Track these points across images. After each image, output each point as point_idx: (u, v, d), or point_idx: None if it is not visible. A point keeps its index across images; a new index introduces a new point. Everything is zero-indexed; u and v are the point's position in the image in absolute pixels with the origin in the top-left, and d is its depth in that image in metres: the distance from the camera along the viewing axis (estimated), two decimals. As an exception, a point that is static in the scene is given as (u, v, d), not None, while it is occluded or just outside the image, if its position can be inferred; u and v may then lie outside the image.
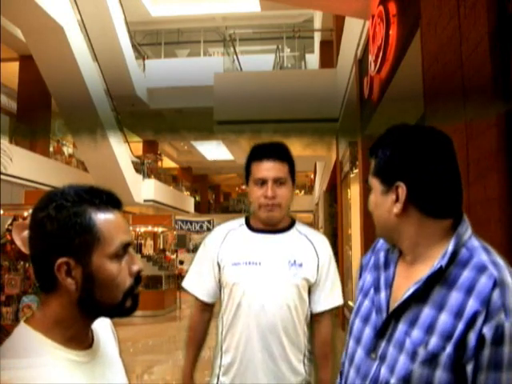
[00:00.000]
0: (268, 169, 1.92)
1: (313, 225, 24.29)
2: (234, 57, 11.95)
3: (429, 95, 2.95)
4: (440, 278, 1.09)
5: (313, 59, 15.27)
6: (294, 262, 1.92)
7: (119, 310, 1.03)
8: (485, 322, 1.01)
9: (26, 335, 0.97)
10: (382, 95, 4.60)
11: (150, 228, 14.86)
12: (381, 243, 1.31)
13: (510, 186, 1.92)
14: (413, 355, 1.07)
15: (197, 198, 27.54)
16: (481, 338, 1.01)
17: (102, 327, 1.14)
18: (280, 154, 1.98)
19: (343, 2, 5.35)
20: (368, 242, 5.88)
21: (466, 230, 1.13)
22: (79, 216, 0.97)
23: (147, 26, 20.29)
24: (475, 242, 1.12)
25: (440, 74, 2.69)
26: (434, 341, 1.05)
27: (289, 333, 1.88)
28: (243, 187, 36.97)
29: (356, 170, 7.17)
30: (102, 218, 0.99)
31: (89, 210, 0.98)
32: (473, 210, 2.12)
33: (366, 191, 6.13)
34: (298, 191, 34.54)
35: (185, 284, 2.07)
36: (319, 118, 8.98)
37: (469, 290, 1.05)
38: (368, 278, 1.29)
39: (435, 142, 1.14)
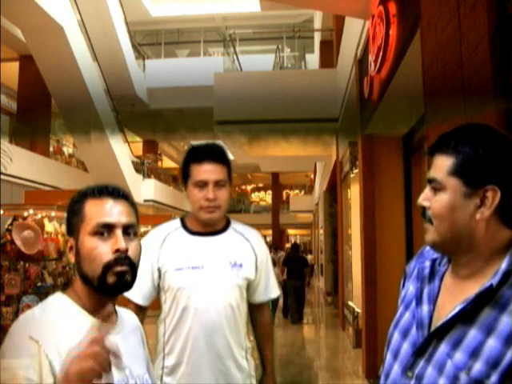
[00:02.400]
0: (208, 171, 1.93)
1: (313, 225, 24.31)
2: (234, 57, 11.95)
3: (429, 95, 2.95)
4: (490, 299, 0.99)
5: (313, 59, 15.28)
6: (235, 263, 1.99)
7: (101, 284, 1.15)
8: None
9: (59, 299, 1.19)
10: (382, 95, 4.61)
11: (149, 228, 14.85)
12: (427, 251, 1.21)
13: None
14: (453, 380, 0.99)
15: (197, 198, 27.48)
16: None
17: (132, 327, 1.30)
18: (219, 156, 1.98)
19: (343, 1, 5.35)
20: (368, 242, 5.88)
21: None
22: (76, 203, 1.21)
23: (147, 26, 20.29)
24: None
25: (440, 74, 2.69)
26: (478, 367, 0.96)
27: (233, 331, 1.96)
28: (243, 187, 37.03)
29: (356, 170, 7.17)
30: (90, 203, 1.19)
31: (84, 198, 1.20)
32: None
33: (366, 191, 6.15)
34: (297, 191, 34.58)
35: None
36: (319, 117, 8.98)
37: None
38: (411, 288, 1.20)
39: None
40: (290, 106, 8.89)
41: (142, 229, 15.66)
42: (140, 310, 2.02)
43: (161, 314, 2.02)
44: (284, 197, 33.12)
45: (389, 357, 1.17)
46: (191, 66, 17.45)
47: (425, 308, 1.11)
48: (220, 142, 2.04)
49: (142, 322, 2.05)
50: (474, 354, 0.98)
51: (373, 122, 5.41)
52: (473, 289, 1.02)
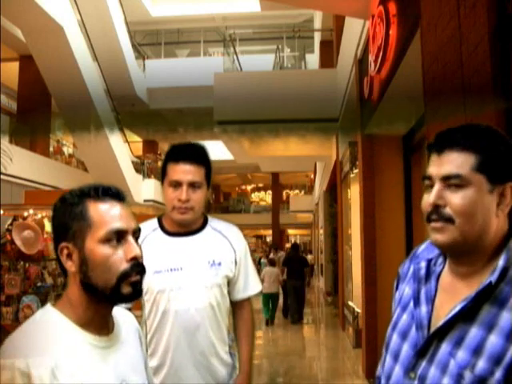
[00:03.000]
0: (184, 172, 1.90)
1: (313, 225, 24.31)
2: (234, 57, 11.95)
3: (429, 95, 2.95)
4: (489, 296, 1.00)
5: (313, 59, 15.28)
6: (214, 261, 1.98)
7: (116, 294, 1.08)
8: None
9: (48, 314, 1.09)
10: (382, 95, 4.61)
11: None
12: (421, 251, 1.22)
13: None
14: (458, 378, 0.99)
15: (197, 198, 27.50)
16: None
17: (129, 328, 1.24)
18: (197, 157, 1.95)
19: (343, 1, 5.35)
20: (368, 242, 5.88)
21: None
22: (75, 206, 1.10)
23: (147, 26, 20.29)
24: None
25: (440, 74, 2.69)
26: (481, 364, 0.97)
27: (215, 330, 1.96)
28: (243, 187, 37.02)
29: (356, 170, 7.16)
30: (95, 206, 1.10)
31: (84, 200, 1.11)
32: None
33: (366, 191, 6.15)
34: (297, 191, 34.57)
35: None
36: (319, 118, 8.98)
37: None
38: (407, 289, 1.20)
39: None
40: (290, 106, 8.89)
41: (142, 229, 15.72)
42: None
43: (142, 317, 2.01)
44: (284, 197, 33.13)
45: (389, 359, 1.16)
46: (191, 66, 17.45)
47: (423, 309, 1.11)
48: (200, 143, 2.00)
49: None
50: (477, 351, 0.98)
51: (373, 121, 5.41)
52: (471, 287, 1.03)
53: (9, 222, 6.66)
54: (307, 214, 24.93)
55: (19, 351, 0.99)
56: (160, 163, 20.95)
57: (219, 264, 1.99)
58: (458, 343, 1.01)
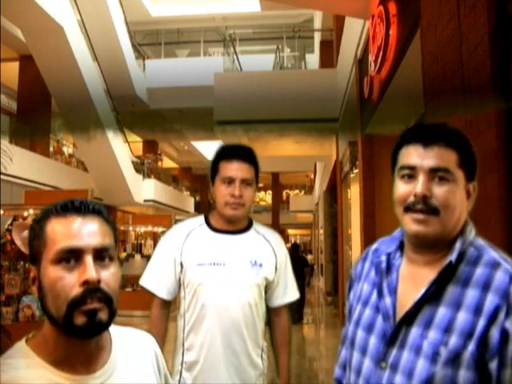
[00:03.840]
0: (237, 169, 1.98)
1: (313, 225, 24.31)
2: (234, 57, 11.95)
3: (429, 95, 2.95)
4: (452, 277, 1.08)
5: (313, 59, 15.28)
6: (255, 262, 2.02)
7: (68, 325, 0.91)
8: (507, 316, 1.00)
9: (20, 352, 0.96)
10: (382, 95, 4.61)
11: (149, 228, 14.85)
12: (373, 250, 1.29)
13: (510, 186, 1.92)
14: (433, 357, 1.04)
15: (197, 198, 27.54)
16: (504, 333, 0.99)
17: (139, 357, 1.08)
18: (249, 156, 2.04)
19: (343, 1, 5.35)
20: (368, 242, 5.87)
21: (471, 230, 1.14)
22: (37, 223, 0.97)
23: (147, 26, 20.29)
24: (481, 241, 1.13)
25: (440, 74, 2.69)
26: (454, 340, 1.03)
27: (249, 329, 1.99)
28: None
29: (356, 170, 7.17)
30: (53, 223, 0.95)
31: (47, 216, 0.96)
32: (473, 210, 2.11)
33: (366, 191, 6.14)
34: (297, 191, 34.56)
35: (143, 282, 2.08)
36: (319, 118, 8.98)
37: (485, 286, 1.03)
38: (365, 286, 1.25)
39: None
40: (290, 106, 8.89)
41: (142, 229, 15.74)
42: (165, 305, 2.06)
43: (180, 310, 2.04)
44: (284, 197, 33.12)
45: (356, 355, 1.19)
46: (191, 65, 17.45)
47: (387, 299, 1.15)
48: (248, 146, 2.13)
49: (167, 316, 2.08)
50: (448, 329, 1.04)
51: (373, 121, 5.41)
52: (433, 273, 1.09)
53: (9, 222, 6.67)
54: (307, 213, 24.94)
55: None
56: (160, 163, 21.01)
57: (260, 265, 2.03)
58: (427, 325, 1.06)
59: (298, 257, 11.45)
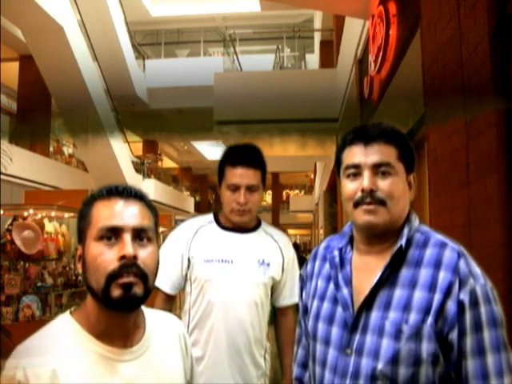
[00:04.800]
0: (242, 175, 1.97)
1: (313, 225, 24.30)
2: (234, 57, 11.95)
3: (429, 95, 2.95)
4: (403, 261, 1.16)
5: (313, 59, 15.27)
6: (263, 261, 2.03)
7: (106, 297, 0.99)
8: (460, 289, 1.08)
9: (64, 322, 1.05)
10: (382, 95, 4.60)
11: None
12: (321, 250, 1.35)
13: (510, 186, 1.92)
14: (397, 334, 1.10)
15: (197, 198, 27.54)
16: (460, 304, 1.07)
17: (168, 338, 1.15)
18: (254, 160, 2.02)
19: (343, 1, 5.35)
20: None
21: (415, 218, 1.24)
22: (85, 206, 1.08)
23: (147, 26, 20.28)
24: (425, 227, 1.23)
25: (440, 74, 2.69)
26: (413, 316, 1.10)
27: (255, 328, 2.00)
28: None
29: (356, 170, 7.16)
30: (98, 205, 1.06)
31: (93, 200, 1.08)
32: (473, 210, 2.12)
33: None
34: (298, 191, 34.55)
35: None
36: (319, 117, 8.98)
37: (437, 264, 1.12)
38: (319, 283, 1.30)
39: None
40: (290, 105, 8.88)
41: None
42: (168, 299, 2.06)
43: (185, 305, 2.04)
44: (284, 197, 33.11)
45: (319, 347, 1.24)
46: (191, 66, 17.44)
47: (345, 290, 1.21)
48: (255, 145, 2.09)
49: (170, 310, 2.08)
50: (406, 308, 1.11)
51: (373, 122, 5.41)
52: (381, 262, 1.17)
53: (9, 222, 6.67)
54: (307, 213, 24.94)
55: (24, 354, 0.98)
56: (160, 163, 21.01)
57: (268, 264, 2.03)
58: (386, 307, 1.14)
59: (298, 257, 11.43)
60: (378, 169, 1.18)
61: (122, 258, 1.00)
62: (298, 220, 28.88)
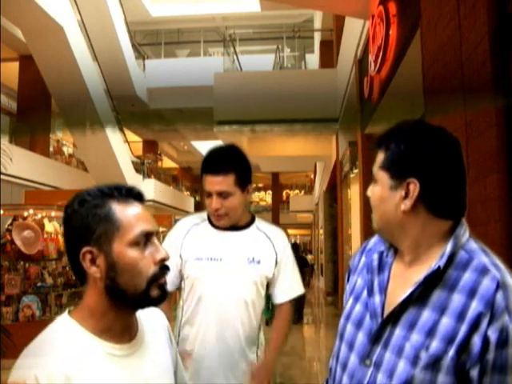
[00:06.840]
0: (211, 183, 1.97)
1: (313, 225, 24.30)
2: (234, 57, 11.95)
3: (429, 95, 2.95)
4: (439, 281, 1.07)
5: (313, 59, 15.27)
6: (253, 259, 2.03)
7: (145, 298, 1.06)
8: (489, 324, 0.99)
9: (65, 324, 1.06)
10: (382, 95, 4.61)
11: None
12: (372, 244, 1.29)
13: (510, 186, 1.92)
14: (414, 359, 1.04)
15: (197, 198, 27.52)
16: (486, 340, 0.99)
17: (156, 328, 1.21)
18: (223, 166, 1.97)
19: (343, 2, 5.35)
20: (368, 242, 5.87)
21: (465, 233, 1.12)
22: (99, 208, 1.05)
23: (147, 26, 20.29)
24: (473, 245, 1.11)
25: (440, 74, 2.69)
26: (435, 344, 1.03)
27: (245, 326, 2.00)
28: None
29: (356, 170, 7.17)
30: (121, 208, 1.06)
31: (109, 202, 1.06)
32: (473, 210, 2.11)
33: (366, 191, 6.13)
34: (298, 191, 34.55)
35: None
36: (319, 117, 8.98)
37: (471, 293, 1.03)
38: (359, 281, 1.25)
39: (449, 142, 1.14)
40: (290, 105, 8.89)
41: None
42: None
43: (179, 301, 2.09)
44: (284, 197, 33.12)
45: (344, 348, 1.20)
46: (191, 66, 17.44)
47: (377, 298, 1.15)
48: (234, 145, 2.05)
49: (167, 306, 2.06)
50: (430, 333, 1.04)
51: (373, 121, 5.41)
52: (420, 273, 1.08)
53: (9, 222, 6.68)
54: (307, 213, 24.93)
55: (32, 362, 0.98)
56: (160, 163, 21.01)
57: (258, 262, 2.04)
58: (411, 327, 1.07)
59: (298, 257, 11.45)
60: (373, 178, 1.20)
61: (162, 261, 1.07)
62: (298, 220, 28.88)
